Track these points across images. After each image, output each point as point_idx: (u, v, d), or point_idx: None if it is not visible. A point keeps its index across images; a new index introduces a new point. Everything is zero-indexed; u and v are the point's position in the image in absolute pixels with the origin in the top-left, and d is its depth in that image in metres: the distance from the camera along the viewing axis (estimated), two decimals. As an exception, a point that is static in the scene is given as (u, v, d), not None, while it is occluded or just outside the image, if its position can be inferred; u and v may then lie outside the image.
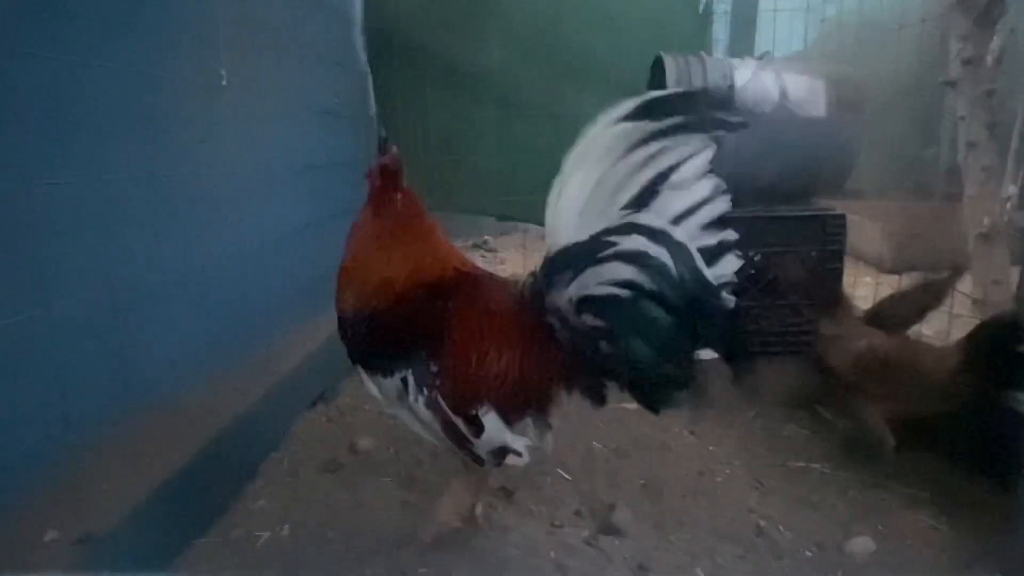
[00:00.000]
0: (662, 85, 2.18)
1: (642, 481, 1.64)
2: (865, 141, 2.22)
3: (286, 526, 1.41)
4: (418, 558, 1.33)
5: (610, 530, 1.43)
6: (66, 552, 1.01)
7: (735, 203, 1.26)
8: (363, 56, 2.48)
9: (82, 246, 1.06)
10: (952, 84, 2.71)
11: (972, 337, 1.53)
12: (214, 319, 1.46)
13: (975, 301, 2.73)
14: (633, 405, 2.00)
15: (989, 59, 2.58)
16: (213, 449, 1.41)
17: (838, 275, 2.19)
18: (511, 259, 3.92)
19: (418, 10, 2.72)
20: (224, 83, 1.42)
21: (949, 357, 1.53)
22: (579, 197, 1.15)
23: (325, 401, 2.02)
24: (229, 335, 1.52)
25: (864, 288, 2.88)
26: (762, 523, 1.45)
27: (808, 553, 1.36)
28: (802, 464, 1.72)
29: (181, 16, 1.33)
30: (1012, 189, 2.69)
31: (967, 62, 2.60)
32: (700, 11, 3.63)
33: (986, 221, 2.61)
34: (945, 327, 2.19)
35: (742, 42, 3.23)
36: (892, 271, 3.43)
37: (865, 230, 3.73)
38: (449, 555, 1.35)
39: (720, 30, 3.62)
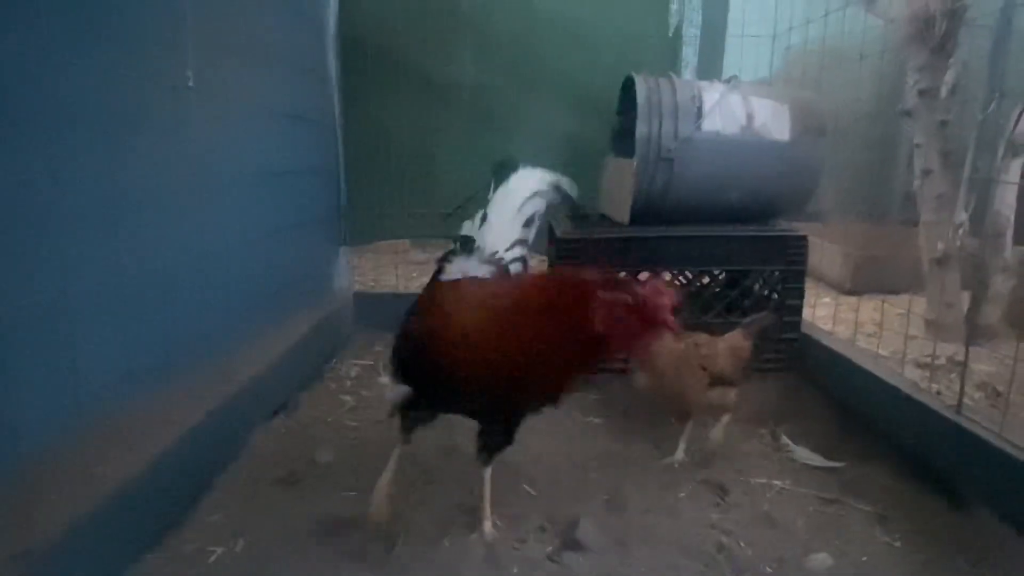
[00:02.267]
0: (632, 105, 2.22)
1: (606, 496, 1.64)
2: (826, 165, 2.28)
3: (241, 541, 1.37)
4: (378, 573, 1.31)
5: (573, 545, 1.42)
6: (1, 568, 0.96)
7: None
8: (334, 63, 2.46)
9: (31, 248, 1.02)
10: (909, 114, 2.82)
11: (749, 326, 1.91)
12: (171, 326, 1.41)
13: (929, 323, 2.83)
14: (598, 419, 2.05)
15: (943, 90, 2.70)
16: (166, 461, 1.36)
17: (799, 294, 2.24)
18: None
19: (393, 20, 2.73)
20: (191, 84, 1.39)
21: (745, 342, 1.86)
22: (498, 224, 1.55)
23: (286, 412, 1.98)
24: (187, 343, 1.47)
25: (824, 308, 2.95)
26: (723, 539, 1.46)
27: (768, 569, 1.37)
28: (763, 480, 1.74)
29: (148, 16, 1.30)
30: (964, 216, 2.80)
31: (923, 93, 2.71)
32: (670, 34, 3.72)
33: (940, 246, 2.72)
34: (901, 348, 2.25)
35: (710, 65, 3.31)
36: (851, 292, 3.52)
37: (826, 252, 3.83)
38: (410, 571, 1.33)
39: (690, 53, 3.72)
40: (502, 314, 1.24)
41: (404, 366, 1.38)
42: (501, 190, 1.59)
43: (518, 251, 1.57)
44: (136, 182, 1.27)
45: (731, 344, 1.84)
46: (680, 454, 1.79)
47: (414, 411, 1.43)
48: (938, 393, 1.69)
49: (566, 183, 1.64)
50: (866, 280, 3.56)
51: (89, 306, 1.15)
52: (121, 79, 1.21)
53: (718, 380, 1.77)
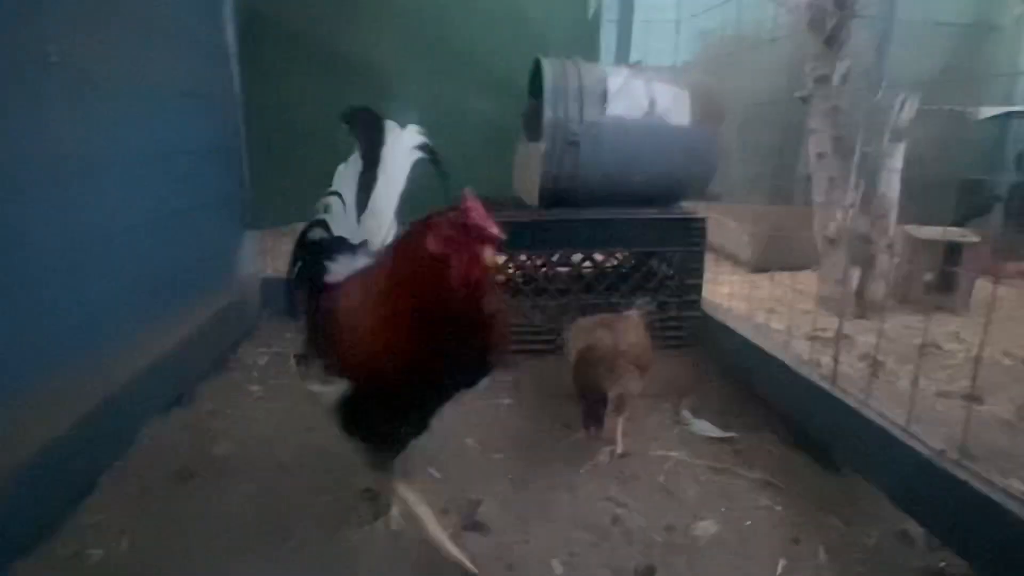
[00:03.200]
0: (541, 87, 2.23)
1: (510, 476, 1.67)
2: (724, 149, 2.37)
3: (125, 541, 1.31)
4: (271, 565, 1.29)
5: (474, 527, 1.44)
6: None
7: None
8: (231, 37, 2.34)
9: None
10: (805, 100, 2.96)
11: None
12: (51, 317, 1.33)
13: (821, 298, 3.01)
14: (507, 400, 2.08)
15: (836, 78, 2.84)
16: (39, 460, 1.28)
17: (699, 274, 2.33)
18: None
19: (297, -11, 2.63)
20: (53, 59, 1.29)
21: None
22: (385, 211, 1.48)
23: (182, 405, 1.90)
24: (61, 336, 1.39)
25: (729, 286, 3.08)
26: (618, 511, 1.52)
27: (658, 538, 1.43)
28: (662, 453, 1.81)
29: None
30: (854, 197, 2.97)
31: (817, 80, 2.85)
32: (589, 17, 3.74)
33: (831, 226, 2.88)
34: (795, 322, 2.38)
35: (620, 50, 3.36)
36: (756, 270, 3.70)
37: (732, 232, 4.00)
38: (305, 561, 1.31)
39: (610, 37, 3.76)
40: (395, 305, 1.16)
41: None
42: (382, 168, 1.46)
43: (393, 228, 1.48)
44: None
45: (637, 332, 1.87)
46: (621, 445, 1.78)
47: (384, 448, 1.36)
48: (818, 366, 1.80)
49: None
50: (771, 258, 3.74)
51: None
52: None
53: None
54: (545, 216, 2.27)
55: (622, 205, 2.30)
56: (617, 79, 2.24)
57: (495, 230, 1.06)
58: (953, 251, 3.06)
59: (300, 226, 1.57)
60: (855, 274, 3.01)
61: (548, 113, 2.18)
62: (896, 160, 2.93)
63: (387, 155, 1.47)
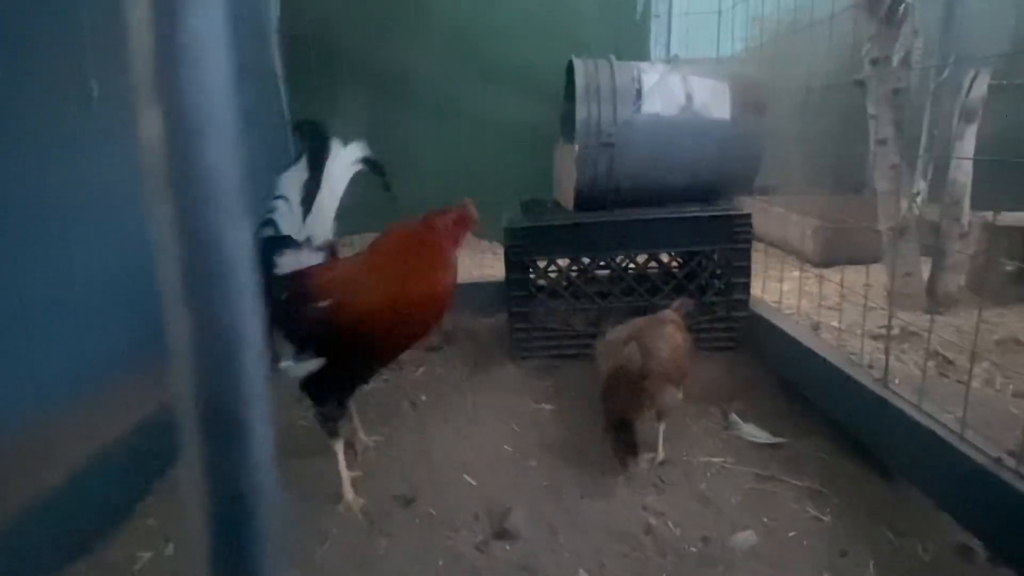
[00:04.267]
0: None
1: (545, 483, 1.65)
2: (768, 141, 2.26)
3: (171, 544, 1.39)
4: (304, 570, 1.33)
5: (503, 534, 1.44)
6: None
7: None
8: (278, 60, 2.45)
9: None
10: (862, 83, 2.79)
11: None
12: (110, 330, 1.43)
13: (889, 293, 2.83)
14: (548, 406, 2.06)
15: (895, 59, 2.67)
16: (99, 467, 1.37)
17: (746, 272, 2.24)
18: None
19: (337, 12, 2.70)
20: (95, 95, 1.39)
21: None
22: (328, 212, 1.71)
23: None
24: (123, 346, 1.49)
25: (791, 282, 2.95)
26: (653, 520, 1.47)
27: (692, 549, 1.39)
28: (705, 459, 1.75)
29: (44, 22, 1.30)
30: (922, 184, 2.78)
31: (874, 62, 2.68)
32: (637, 16, 3.68)
33: (897, 216, 2.70)
34: (859, 319, 2.25)
35: (670, 46, 3.28)
36: (820, 264, 3.52)
37: (795, 225, 3.83)
38: (336, 566, 1.35)
39: (662, 34, 3.68)
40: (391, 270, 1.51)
41: (321, 347, 1.50)
42: (326, 176, 1.67)
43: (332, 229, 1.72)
44: (36, 200, 1.27)
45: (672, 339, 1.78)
46: (662, 452, 1.74)
47: (332, 409, 1.57)
48: (870, 367, 1.69)
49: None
50: (837, 252, 3.55)
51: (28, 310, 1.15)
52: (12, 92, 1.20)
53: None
54: (582, 218, 2.24)
55: (662, 204, 2.24)
56: (652, 76, 2.19)
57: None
58: (1037, 238, 2.80)
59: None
60: (925, 266, 2.82)
61: (581, 114, 2.15)
62: (968, 142, 2.72)
63: (330, 165, 1.68)
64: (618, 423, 1.68)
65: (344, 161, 1.70)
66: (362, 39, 2.78)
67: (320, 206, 1.67)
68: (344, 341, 1.47)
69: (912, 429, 1.37)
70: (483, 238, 3.27)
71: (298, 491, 1.62)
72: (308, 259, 1.62)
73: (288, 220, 1.67)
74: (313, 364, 1.48)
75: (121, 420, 1.52)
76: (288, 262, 1.60)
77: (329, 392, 1.57)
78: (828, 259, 3.56)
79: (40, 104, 1.28)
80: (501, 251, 3.41)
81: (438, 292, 1.52)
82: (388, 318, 1.47)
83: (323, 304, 1.49)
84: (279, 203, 1.66)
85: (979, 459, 1.19)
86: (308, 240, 1.66)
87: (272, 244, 1.62)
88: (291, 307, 1.52)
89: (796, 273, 3.28)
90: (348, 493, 1.57)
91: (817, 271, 3.29)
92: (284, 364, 1.47)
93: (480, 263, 3.39)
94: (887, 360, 1.57)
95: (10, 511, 1.16)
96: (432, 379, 2.31)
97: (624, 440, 1.66)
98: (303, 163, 1.69)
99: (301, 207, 1.67)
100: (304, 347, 1.49)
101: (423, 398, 2.16)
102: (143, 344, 1.60)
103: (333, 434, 1.59)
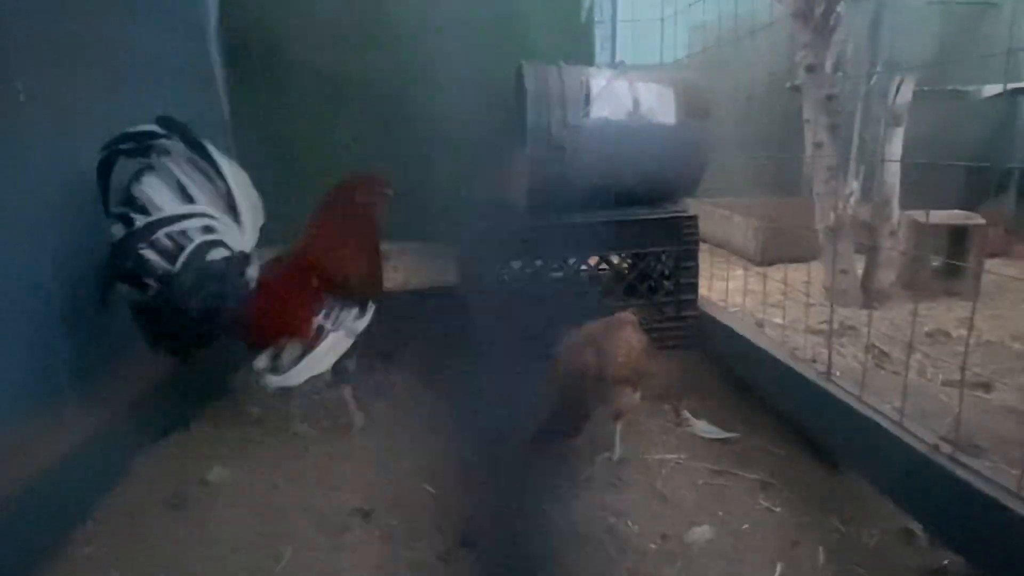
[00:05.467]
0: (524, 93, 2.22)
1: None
2: (713, 145, 2.33)
3: (114, 572, 1.32)
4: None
5: (466, 543, 1.42)
6: None
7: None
8: (216, 63, 2.37)
9: None
10: (798, 89, 2.91)
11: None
12: (39, 347, 1.35)
13: (827, 289, 2.96)
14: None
15: (828, 66, 2.79)
16: (27, 495, 1.29)
17: (694, 272, 2.30)
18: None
19: (278, 12, 2.63)
20: (22, 99, 1.31)
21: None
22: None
23: (179, 430, 1.91)
24: (56, 366, 1.40)
25: (735, 281, 3.04)
26: (612, 520, 1.49)
27: (652, 546, 1.41)
28: (660, 456, 1.78)
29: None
30: (854, 185, 2.92)
31: (809, 68, 2.80)
32: (582, 20, 3.72)
33: (832, 216, 2.83)
34: (801, 315, 2.34)
35: (614, 52, 3.34)
36: (762, 263, 3.65)
37: (738, 227, 3.95)
38: (294, 585, 1.31)
39: (606, 39, 3.73)
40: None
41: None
42: (233, 185, 1.69)
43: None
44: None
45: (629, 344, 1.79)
46: (619, 451, 1.76)
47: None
48: (813, 361, 1.76)
49: None
50: (778, 252, 3.69)
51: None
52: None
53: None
54: (533, 223, 2.25)
55: (611, 207, 2.28)
56: (600, 81, 2.22)
57: (389, 187, 1.95)
58: (959, 235, 2.99)
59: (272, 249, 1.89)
60: (859, 263, 2.96)
61: (532, 118, 2.16)
62: (896, 145, 2.87)
63: (226, 170, 1.68)
64: (571, 417, 1.70)
65: (229, 162, 1.72)
66: (306, 41, 2.72)
67: (245, 215, 1.73)
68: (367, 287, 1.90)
69: (855, 420, 1.43)
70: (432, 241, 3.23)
71: (249, 506, 1.57)
72: (256, 269, 1.78)
73: (231, 235, 1.70)
74: (373, 309, 1.91)
75: (57, 440, 1.43)
76: (253, 273, 1.77)
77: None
78: (769, 258, 3.70)
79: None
80: (449, 256, 3.41)
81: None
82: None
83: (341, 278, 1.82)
84: (212, 222, 1.66)
85: (918, 447, 1.25)
86: (254, 252, 1.78)
87: (240, 260, 1.72)
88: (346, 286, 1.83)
89: (740, 272, 3.40)
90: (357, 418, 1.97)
91: (760, 270, 3.42)
92: (356, 323, 1.86)
93: (430, 268, 3.36)
94: (830, 354, 1.64)
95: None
96: (386, 387, 2.27)
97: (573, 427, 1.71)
98: (177, 169, 1.64)
99: (234, 221, 1.72)
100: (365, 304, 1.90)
101: (379, 406, 2.13)
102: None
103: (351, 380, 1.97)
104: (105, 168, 1.51)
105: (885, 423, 1.36)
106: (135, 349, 1.66)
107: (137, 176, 1.56)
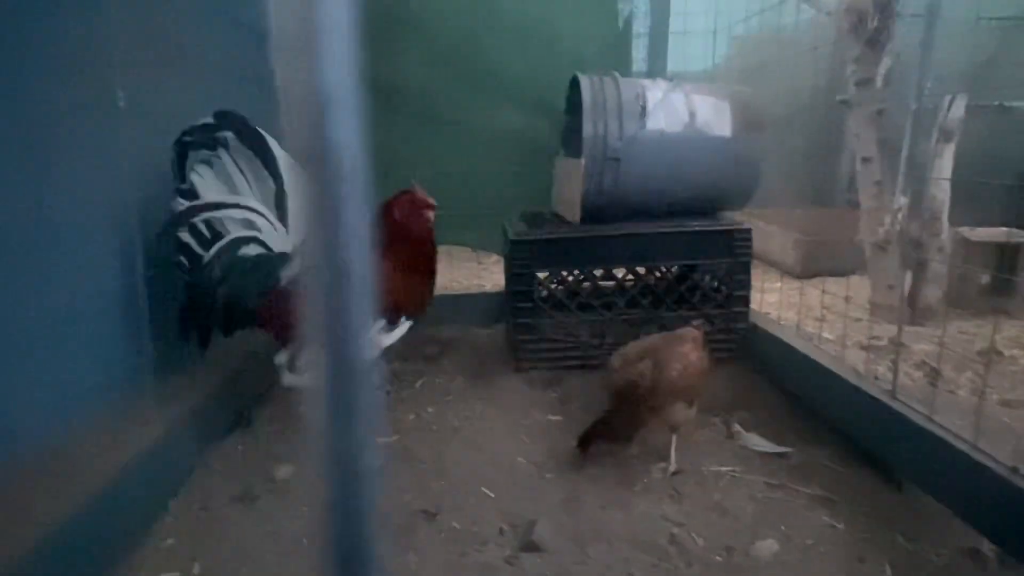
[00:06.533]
0: (580, 104, 2.25)
1: (563, 495, 1.67)
2: (767, 158, 2.34)
3: (197, 564, 1.36)
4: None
5: (531, 547, 1.45)
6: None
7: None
8: (277, 71, 2.41)
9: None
10: (847, 103, 2.91)
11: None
12: (110, 350, 1.39)
13: (872, 305, 2.94)
14: (555, 417, 2.08)
15: (878, 80, 2.79)
16: (114, 487, 1.34)
17: (746, 285, 2.31)
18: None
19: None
20: (122, 104, 1.36)
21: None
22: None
23: (242, 428, 1.96)
24: (127, 365, 1.45)
25: (774, 294, 3.04)
26: (675, 531, 1.50)
27: (717, 558, 1.42)
28: (715, 468, 1.79)
29: (70, 35, 1.27)
30: (903, 200, 2.90)
31: (859, 83, 2.80)
32: (620, 28, 3.74)
33: (880, 231, 2.81)
34: (842, 331, 2.33)
35: (654, 61, 3.35)
36: (801, 276, 3.63)
37: (776, 238, 3.94)
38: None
39: (641, 48, 3.75)
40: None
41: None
42: (288, 186, 1.75)
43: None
44: (67, 210, 1.24)
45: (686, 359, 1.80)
46: (674, 462, 1.77)
47: None
48: (875, 378, 1.76)
49: None
50: (817, 264, 3.68)
51: (16, 337, 1.12)
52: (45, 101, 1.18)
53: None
54: (587, 232, 2.28)
55: (665, 218, 2.29)
56: (656, 92, 2.24)
57: (431, 201, 1.89)
58: (1009, 252, 2.95)
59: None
60: (906, 279, 2.94)
61: (588, 129, 2.19)
62: (946, 161, 2.85)
63: (284, 172, 1.74)
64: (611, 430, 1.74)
65: (288, 164, 1.75)
66: (359, 52, 2.76)
67: (295, 220, 1.78)
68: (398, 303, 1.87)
69: (926, 439, 1.43)
70: (477, 247, 3.28)
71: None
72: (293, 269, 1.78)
73: (272, 233, 1.79)
74: (406, 326, 1.89)
75: (130, 441, 1.48)
76: (287, 273, 1.78)
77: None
78: (809, 270, 3.68)
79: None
80: (491, 261, 3.44)
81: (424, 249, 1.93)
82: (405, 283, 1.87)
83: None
84: (254, 216, 1.73)
85: (995, 468, 1.25)
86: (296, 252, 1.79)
87: (275, 260, 1.77)
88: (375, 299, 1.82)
89: (778, 284, 3.39)
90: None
91: (800, 283, 3.41)
92: (380, 337, 1.80)
93: (477, 274, 3.40)
94: (896, 372, 1.64)
95: (27, 541, 1.12)
96: (433, 390, 2.30)
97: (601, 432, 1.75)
98: (228, 161, 1.72)
99: (280, 221, 1.79)
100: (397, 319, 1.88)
101: (429, 410, 2.16)
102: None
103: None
104: (179, 159, 1.63)
105: (957, 443, 1.36)
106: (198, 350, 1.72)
107: (193, 165, 1.67)
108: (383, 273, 1.83)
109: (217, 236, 1.69)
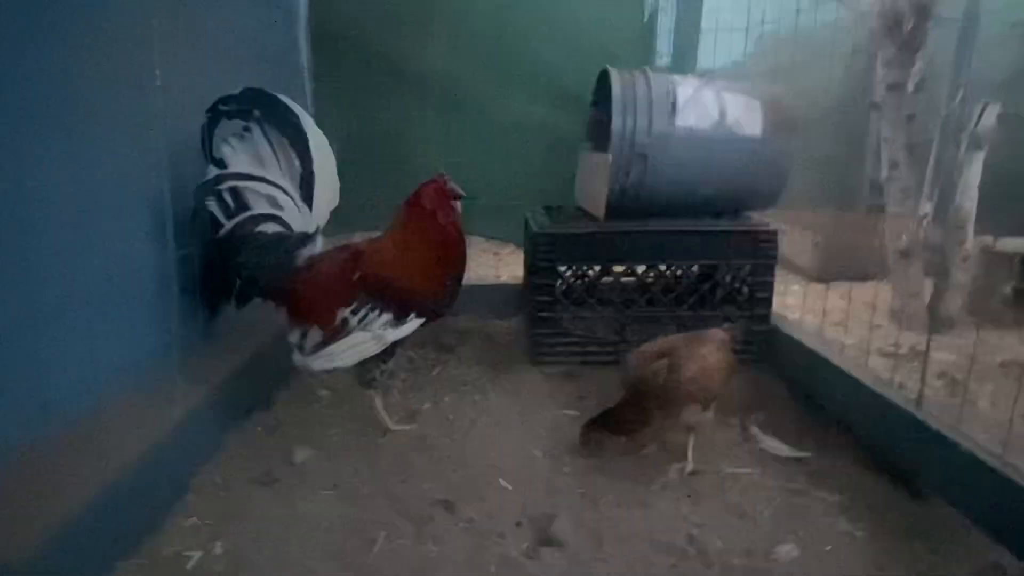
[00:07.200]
0: (608, 97, 2.23)
1: (580, 490, 1.67)
2: (796, 160, 2.31)
3: (218, 544, 1.37)
4: (356, 573, 1.32)
5: (550, 541, 1.45)
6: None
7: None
8: (307, 55, 2.42)
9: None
10: (877, 107, 2.87)
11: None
12: (140, 327, 1.40)
13: (893, 312, 2.92)
14: (572, 412, 2.08)
15: (910, 85, 2.75)
16: (139, 465, 1.35)
17: (770, 287, 2.29)
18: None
19: (366, 8, 2.69)
20: (159, 83, 1.36)
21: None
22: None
23: (260, 410, 1.97)
24: (155, 343, 1.46)
25: (793, 296, 3.02)
26: (694, 531, 1.50)
27: (736, 561, 1.41)
28: (733, 471, 1.79)
29: (110, 13, 1.27)
30: (928, 207, 2.87)
31: (891, 87, 2.76)
32: (644, 20, 3.71)
33: (904, 238, 2.79)
34: (866, 337, 2.31)
35: (684, 57, 3.32)
36: (821, 280, 3.60)
37: (796, 241, 3.90)
38: (389, 570, 1.34)
39: (664, 43, 3.71)
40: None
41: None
42: (317, 168, 1.77)
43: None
44: (104, 183, 1.24)
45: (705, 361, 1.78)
46: (691, 463, 1.77)
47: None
48: (900, 387, 1.75)
49: None
50: (836, 268, 3.64)
51: (54, 312, 1.13)
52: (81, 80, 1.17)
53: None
54: (611, 228, 2.26)
55: (690, 216, 2.28)
56: (687, 89, 2.22)
57: (459, 190, 1.84)
58: (1033, 264, 2.92)
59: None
60: (928, 288, 2.91)
61: (616, 124, 2.17)
62: (975, 169, 2.82)
63: (313, 145, 1.75)
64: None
65: (322, 144, 1.79)
66: (387, 38, 2.76)
67: (319, 197, 1.81)
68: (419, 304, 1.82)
69: (950, 449, 1.42)
70: (495, 238, 3.27)
71: (334, 488, 1.61)
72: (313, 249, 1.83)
73: (294, 212, 1.79)
74: (415, 323, 1.82)
75: (160, 417, 1.49)
76: (306, 253, 1.81)
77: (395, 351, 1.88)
78: (829, 274, 3.65)
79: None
80: (507, 252, 3.43)
81: (450, 242, 1.86)
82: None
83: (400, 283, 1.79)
84: (278, 193, 1.74)
85: (1022, 483, 1.24)
86: (317, 233, 1.85)
87: (295, 240, 1.79)
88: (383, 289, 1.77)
89: (796, 287, 3.36)
90: (386, 421, 1.92)
91: (819, 286, 3.38)
92: (387, 331, 1.77)
93: (493, 265, 3.39)
94: (923, 381, 1.62)
95: (61, 511, 1.14)
96: (449, 380, 2.31)
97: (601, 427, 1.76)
98: (259, 137, 1.73)
99: (303, 201, 1.80)
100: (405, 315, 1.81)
101: (445, 399, 2.16)
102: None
103: (381, 387, 1.91)
104: (210, 125, 1.63)
105: (984, 455, 1.35)
106: (219, 330, 1.72)
107: (225, 137, 1.68)
108: (396, 261, 1.80)
109: (241, 208, 1.69)
